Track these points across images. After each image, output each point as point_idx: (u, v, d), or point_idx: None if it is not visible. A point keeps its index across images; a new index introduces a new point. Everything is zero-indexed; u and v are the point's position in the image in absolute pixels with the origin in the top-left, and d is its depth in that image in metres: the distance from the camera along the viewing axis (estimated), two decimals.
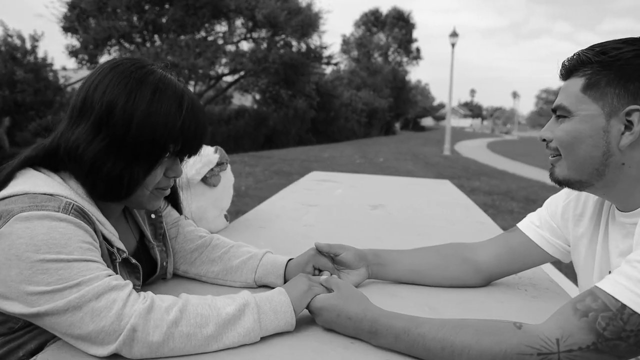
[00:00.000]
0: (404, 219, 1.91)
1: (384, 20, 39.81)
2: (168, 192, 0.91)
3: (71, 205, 0.75)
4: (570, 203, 1.03)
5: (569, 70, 0.86)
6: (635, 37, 0.82)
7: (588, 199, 1.00)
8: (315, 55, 22.60)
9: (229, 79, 21.30)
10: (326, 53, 22.95)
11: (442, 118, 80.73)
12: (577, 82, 0.83)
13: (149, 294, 0.76)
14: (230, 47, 19.09)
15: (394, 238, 1.58)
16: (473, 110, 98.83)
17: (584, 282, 1.00)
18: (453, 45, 18.97)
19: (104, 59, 18.23)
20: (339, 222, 1.78)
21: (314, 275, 1.01)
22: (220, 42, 18.72)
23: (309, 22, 20.45)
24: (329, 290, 0.86)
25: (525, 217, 1.12)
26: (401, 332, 0.76)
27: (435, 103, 79.84)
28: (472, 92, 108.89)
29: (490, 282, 1.13)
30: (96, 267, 0.73)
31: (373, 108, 31.35)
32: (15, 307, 0.71)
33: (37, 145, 0.83)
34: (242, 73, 20.06)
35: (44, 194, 0.75)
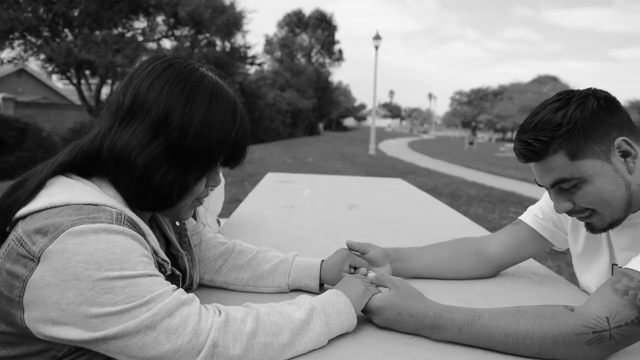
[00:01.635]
0: (383, 216, 1.97)
1: (307, 22, 40.21)
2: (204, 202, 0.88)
3: (123, 216, 0.70)
4: None
5: (538, 155, 0.89)
6: (554, 97, 0.91)
7: None
8: (239, 55, 22.27)
9: None
10: (250, 53, 22.73)
11: (364, 118, 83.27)
12: (560, 158, 0.88)
13: (218, 305, 0.73)
14: (152, 45, 18.21)
15: (384, 235, 1.62)
16: (392, 110, 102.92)
17: (582, 267, 1.11)
18: (377, 47, 19.63)
19: (5, 54, 16.57)
20: (326, 223, 1.79)
21: (351, 274, 1.02)
22: (140, 39, 17.79)
23: (233, 21, 20.09)
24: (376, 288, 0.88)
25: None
26: (464, 324, 0.80)
27: (357, 104, 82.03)
28: (391, 93, 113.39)
29: (499, 273, 1.20)
30: (160, 281, 0.69)
31: (297, 108, 31.54)
32: (71, 333, 0.64)
33: (72, 149, 0.76)
34: None
35: (89, 204, 0.69)
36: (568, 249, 1.19)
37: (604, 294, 0.80)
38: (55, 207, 0.68)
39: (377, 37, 19.51)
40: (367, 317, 0.87)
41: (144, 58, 0.82)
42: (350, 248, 1.07)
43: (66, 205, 0.68)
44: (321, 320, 0.77)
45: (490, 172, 16.61)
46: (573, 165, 0.88)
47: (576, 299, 1.08)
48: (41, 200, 0.70)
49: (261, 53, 38.39)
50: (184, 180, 0.76)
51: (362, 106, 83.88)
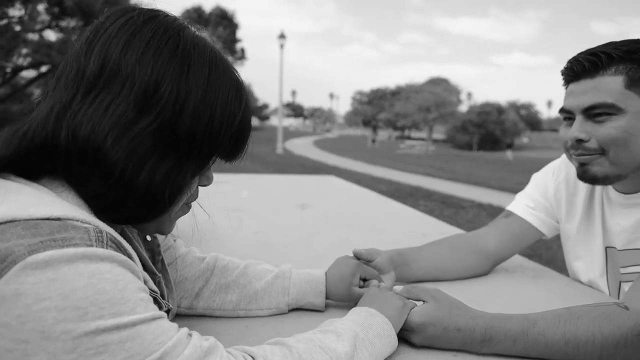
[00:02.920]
0: (342, 216, 1.85)
1: (208, 18, 38.82)
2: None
3: (104, 235, 0.48)
4: (560, 183, 1.10)
5: (596, 68, 0.87)
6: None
7: (577, 180, 1.08)
8: None
9: (29, 73, 18.12)
10: None
11: (267, 118, 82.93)
12: (616, 81, 0.85)
13: (246, 349, 0.55)
14: (33, 36, 16.24)
15: (359, 239, 1.50)
16: (295, 110, 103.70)
17: (573, 249, 1.09)
18: (282, 46, 19.55)
19: None
20: (286, 226, 1.62)
21: (361, 287, 0.87)
22: (18, 28, 15.77)
23: None
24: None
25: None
26: (519, 334, 0.70)
27: (260, 103, 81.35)
28: (294, 93, 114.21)
29: (494, 268, 1.14)
30: (169, 325, 0.49)
31: None
32: None
33: (10, 137, 0.51)
34: (48, 67, 17.26)
35: (47, 218, 0.46)
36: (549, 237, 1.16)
37: None
38: None
39: (282, 36, 19.44)
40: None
41: (25, 51, 0.60)
42: (358, 257, 0.92)
43: (11, 221, 0.45)
44: (366, 350, 0.62)
45: (395, 168, 17.39)
46: (623, 93, 0.85)
47: (572, 288, 1.05)
48: None
49: None
50: (178, 177, 0.55)
51: (265, 106, 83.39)
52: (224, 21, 38.61)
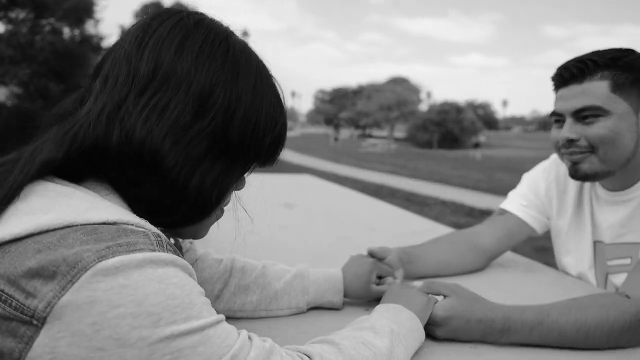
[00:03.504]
0: (327, 214, 1.87)
1: None
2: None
3: (162, 238, 0.48)
4: (551, 182, 1.17)
5: (584, 74, 0.94)
6: (625, 47, 0.97)
7: (567, 179, 1.15)
8: (92, 46, 20.06)
9: None
10: (105, 44, 20.61)
11: None
12: (602, 86, 0.93)
13: (299, 348, 0.56)
14: None
15: (357, 237, 1.52)
16: None
17: (564, 244, 1.16)
18: None
19: None
20: (280, 227, 1.62)
21: (377, 284, 0.89)
22: None
23: (83, 7, 17.99)
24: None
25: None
26: (535, 324, 0.74)
27: None
28: None
29: (490, 263, 1.19)
30: (231, 327, 0.49)
31: None
32: None
33: (61, 138, 0.50)
34: None
35: (104, 223, 0.46)
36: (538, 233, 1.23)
37: None
38: (51, 230, 0.44)
39: (245, 34, 19.24)
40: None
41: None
42: (373, 255, 0.94)
43: (70, 226, 0.45)
44: (402, 345, 0.64)
45: (359, 166, 17.61)
46: (609, 97, 0.92)
47: (562, 280, 1.12)
48: (17, 221, 0.45)
49: None
50: (225, 181, 0.56)
51: None
52: None
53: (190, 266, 0.48)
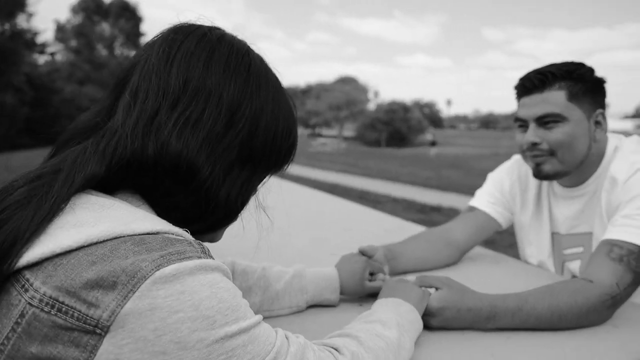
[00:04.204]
0: (302, 216, 1.91)
1: (108, 9, 36.31)
2: None
3: (203, 246, 0.52)
4: (515, 181, 1.29)
5: (544, 85, 1.06)
6: (576, 61, 1.09)
7: (528, 178, 1.27)
8: (25, 41, 18.92)
9: None
10: (38, 40, 19.49)
11: None
12: (560, 95, 1.05)
13: (323, 342, 0.61)
14: None
15: (332, 237, 1.58)
16: None
17: (527, 237, 1.28)
18: None
19: None
20: (254, 229, 1.65)
21: (369, 281, 0.95)
22: None
23: (14, 0, 16.94)
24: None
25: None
26: (516, 310, 0.83)
27: None
28: None
29: (462, 257, 1.29)
30: (269, 326, 0.54)
31: None
32: None
33: (102, 152, 0.51)
34: None
35: (148, 233, 0.49)
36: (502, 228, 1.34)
37: (605, 263, 0.92)
38: (101, 242, 0.47)
39: None
40: None
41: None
42: (364, 253, 1.00)
43: (118, 237, 0.47)
44: (408, 336, 0.70)
45: (311, 165, 17.70)
46: (566, 105, 1.04)
47: (526, 270, 1.23)
48: (66, 234, 0.47)
49: (52, 41, 33.37)
50: (249, 188, 0.60)
51: None
52: (126, 13, 36.36)
53: (229, 271, 0.52)
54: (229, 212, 0.59)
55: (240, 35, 0.63)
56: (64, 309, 0.44)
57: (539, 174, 1.11)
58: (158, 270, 0.45)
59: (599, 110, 1.09)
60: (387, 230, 1.63)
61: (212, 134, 0.54)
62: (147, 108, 0.53)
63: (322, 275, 0.93)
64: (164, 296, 0.44)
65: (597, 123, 1.09)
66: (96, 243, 0.46)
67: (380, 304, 0.77)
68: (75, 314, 0.43)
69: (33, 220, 0.47)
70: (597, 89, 1.09)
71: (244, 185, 0.59)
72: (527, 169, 1.28)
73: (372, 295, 0.96)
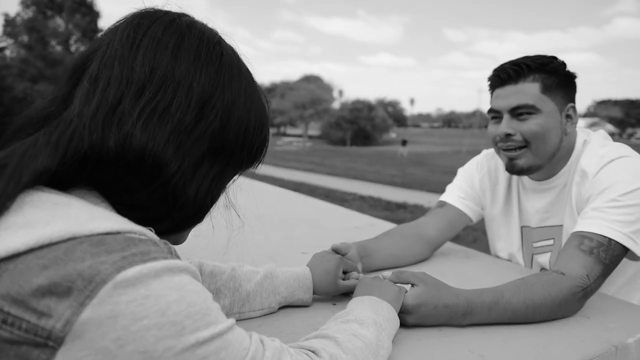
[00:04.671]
0: (268, 214, 1.87)
1: (62, 4, 34.85)
2: None
3: (169, 246, 0.48)
4: (484, 176, 1.29)
5: (519, 76, 1.06)
6: (548, 54, 1.10)
7: (498, 172, 1.28)
8: None
9: None
10: None
11: None
12: (534, 86, 1.05)
13: (299, 345, 0.58)
14: None
15: (302, 235, 1.54)
16: None
17: (497, 231, 1.29)
18: None
19: None
20: (220, 228, 1.60)
21: (343, 279, 0.93)
22: None
23: None
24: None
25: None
26: (492, 305, 0.82)
27: None
28: None
29: (434, 253, 1.28)
30: (242, 330, 0.50)
31: None
32: None
33: (54, 144, 0.46)
34: None
35: (108, 233, 0.44)
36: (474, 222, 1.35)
37: (576, 256, 0.93)
38: (53, 243, 0.42)
39: None
40: None
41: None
42: (337, 251, 0.97)
43: (73, 238, 0.42)
44: (386, 334, 0.68)
45: (276, 165, 17.61)
46: (540, 97, 1.05)
47: (497, 263, 1.24)
48: (13, 235, 0.42)
49: (0, 36, 31.77)
50: (218, 186, 0.56)
51: None
52: (82, 8, 35.03)
53: (198, 272, 0.48)
54: (197, 210, 0.55)
55: (211, 24, 0.59)
56: (9, 320, 0.39)
57: (513, 169, 1.11)
58: (119, 273, 0.40)
59: (570, 104, 1.10)
60: (358, 227, 1.62)
61: (180, 126, 0.50)
62: (109, 97, 0.49)
63: (295, 275, 0.89)
64: (127, 301, 0.40)
65: (568, 116, 1.10)
66: (48, 245, 0.42)
67: (356, 302, 0.74)
68: (24, 325, 0.38)
69: None
70: (569, 83, 1.10)
71: (214, 181, 0.55)
72: (496, 163, 1.28)
73: (346, 294, 0.94)
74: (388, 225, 1.69)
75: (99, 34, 0.56)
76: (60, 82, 0.53)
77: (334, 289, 0.91)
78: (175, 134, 0.50)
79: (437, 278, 0.85)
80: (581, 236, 0.96)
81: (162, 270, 0.42)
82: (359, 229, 1.60)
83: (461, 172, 1.34)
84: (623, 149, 1.07)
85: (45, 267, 0.40)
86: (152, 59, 0.50)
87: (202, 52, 0.53)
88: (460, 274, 1.15)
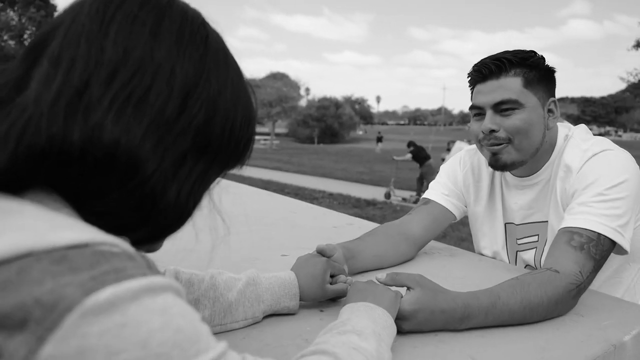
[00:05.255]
0: (242, 214, 1.79)
1: None
2: None
3: (146, 259, 0.41)
4: (467, 172, 1.26)
5: (500, 70, 1.03)
6: (527, 49, 1.08)
7: (481, 168, 1.25)
8: None
9: None
10: None
11: None
12: (516, 81, 1.02)
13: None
14: None
15: (278, 233, 1.48)
16: None
17: (481, 228, 1.26)
18: None
19: None
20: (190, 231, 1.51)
21: (330, 283, 0.86)
22: None
23: None
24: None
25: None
26: (490, 307, 0.78)
27: None
28: None
29: (419, 252, 1.24)
30: (234, 353, 0.42)
31: None
32: None
33: (0, 136, 0.38)
34: None
35: (73, 246, 0.36)
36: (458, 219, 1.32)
37: (567, 252, 0.90)
38: (4, 262, 0.33)
39: None
40: None
41: None
42: (323, 254, 0.91)
43: (30, 254, 0.34)
44: (385, 344, 0.62)
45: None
46: (522, 92, 1.02)
47: (483, 261, 1.21)
48: None
49: None
50: (202, 187, 0.49)
51: None
52: (37, 1, 33.52)
53: (181, 287, 0.41)
54: (178, 216, 0.47)
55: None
56: None
57: (496, 164, 1.08)
58: (88, 296, 0.33)
59: (552, 99, 1.08)
60: (336, 227, 1.56)
61: (160, 118, 0.42)
62: (73, 80, 0.40)
63: (279, 281, 0.82)
64: (99, 333, 0.32)
65: (550, 111, 1.08)
66: (11, 261, 0.33)
67: (351, 310, 0.68)
68: None
69: None
70: (550, 77, 1.08)
71: (197, 182, 0.47)
72: (479, 160, 1.26)
73: (333, 299, 0.88)
74: (366, 224, 1.64)
75: (61, 10, 0.48)
76: (13, 63, 0.44)
77: (322, 295, 0.85)
78: (154, 127, 0.42)
79: (431, 280, 0.81)
80: (570, 232, 0.93)
81: (141, 290, 0.35)
82: (338, 228, 1.55)
83: (444, 169, 1.30)
84: (605, 142, 1.06)
85: (15, 291, 0.32)
86: (126, 37, 0.42)
87: (185, 32, 0.45)
88: (448, 273, 1.11)
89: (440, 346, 0.74)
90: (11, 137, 0.38)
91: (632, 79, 17.12)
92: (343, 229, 1.54)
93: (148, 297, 0.35)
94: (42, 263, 0.34)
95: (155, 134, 0.42)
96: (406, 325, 0.75)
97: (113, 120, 0.40)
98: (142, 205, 0.43)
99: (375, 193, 9.66)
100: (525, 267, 1.21)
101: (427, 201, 1.25)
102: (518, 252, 1.22)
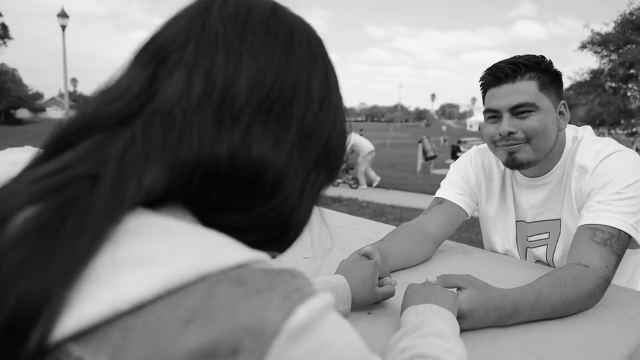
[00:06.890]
0: None
1: None
2: None
3: (299, 272, 0.40)
4: (479, 172, 1.30)
5: (516, 74, 1.07)
6: (537, 54, 1.13)
7: (492, 168, 1.30)
8: None
9: None
10: None
11: (42, 109, 71.25)
12: (531, 84, 1.07)
13: None
14: None
15: None
16: (78, 100, 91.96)
17: (492, 226, 1.31)
18: (64, 27, 16.97)
19: None
20: None
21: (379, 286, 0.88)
22: None
23: None
24: None
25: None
26: (535, 303, 0.82)
27: (31, 92, 69.35)
28: (74, 81, 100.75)
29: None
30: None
31: None
32: None
33: (165, 156, 0.36)
34: None
35: (239, 265, 0.34)
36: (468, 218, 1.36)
37: (592, 248, 0.96)
38: (184, 286, 0.32)
39: (64, 15, 16.85)
40: None
41: None
42: (368, 256, 0.92)
43: (206, 277, 0.32)
44: (459, 344, 0.64)
45: None
46: (538, 95, 1.07)
47: (497, 258, 1.26)
48: (128, 279, 0.31)
49: None
50: (317, 200, 0.47)
51: (39, 95, 71.44)
52: None
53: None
54: (300, 232, 0.46)
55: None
56: None
57: (513, 163, 1.12)
58: (288, 319, 0.32)
59: (562, 101, 1.14)
60: (343, 227, 1.57)
61: (300, 132, 0.41)
62: (214, 90, 0.38)
63: (331, 286, 0.83)
64: (303, 356, 0.32)
65: (560, 113, 1.13)
66: (187, 286, 0.32)
67: (416, 312, 0.70)
68: None
69: (70, 261, 0.31)
70: (559, 81, 1.13)
71: (317, 197, 0.46)
72: (490, 159, 1.30)
73: (377, 302, 0.89)
74: (370, 224, 1.67)
75: (165, 21, 0.45)
76: (129, 68, 0.41)
77: (372, 298, 0.86)
78: (297, 142, 0.41)
79: (480, 279, 0.84)
80: (592, 228, 0.99)
81: (323, 308, 0.34)
82: (344, 228, 1.57)
83: (455, 168, 1.34)
84: (614, 143, 1.13)
85: (189, 321, 0.30)
86: (263, 47, 0.41)
87: (312, 45, 0.44)
88: (470, 271, 1.14)
89: (496, 343, 0.77)
90: (168, 147, 0.36)
91: (579, 78, 18.04)
92: (349, 229, 1.55)
93: (328, 314, 0.35)
94: (222, 285, 0.32)
95: (296, 149, 0.41)
96: (464, 324, 0.77)
97: (261, 135, 0.39)
98: (277, 222, 0.42)
99: (339, 190, 9.74)
100: (535, 262, 1.26)
101: (442, 200, 1.29)
102: (528, 249, 1.27)
